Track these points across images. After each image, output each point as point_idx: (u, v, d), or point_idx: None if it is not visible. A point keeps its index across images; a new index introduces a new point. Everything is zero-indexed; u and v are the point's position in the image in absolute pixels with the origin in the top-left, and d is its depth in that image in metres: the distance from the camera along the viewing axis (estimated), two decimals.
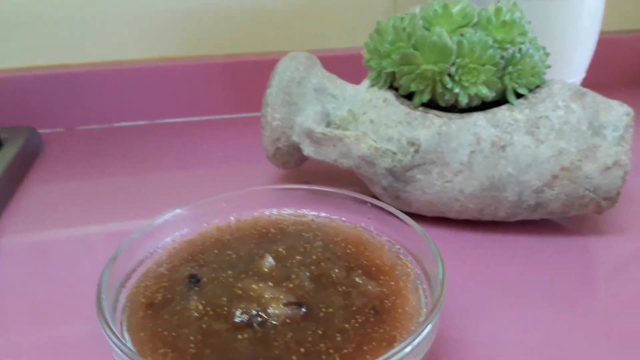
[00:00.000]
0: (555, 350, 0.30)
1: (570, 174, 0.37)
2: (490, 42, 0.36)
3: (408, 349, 0.22)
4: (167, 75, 0.61)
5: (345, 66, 0.51)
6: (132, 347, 0.22)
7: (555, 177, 0.37)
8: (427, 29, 0.37)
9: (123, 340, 0.22)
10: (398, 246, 0.31)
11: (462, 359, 0.29)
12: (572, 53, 0.50)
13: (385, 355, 0.21)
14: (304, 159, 0.46)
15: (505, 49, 0.37)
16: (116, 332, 0.22)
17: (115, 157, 0.54)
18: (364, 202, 0.33)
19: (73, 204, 0.46)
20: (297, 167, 0.47)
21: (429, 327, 0.23)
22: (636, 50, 0.72)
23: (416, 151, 0.38)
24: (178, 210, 0.31)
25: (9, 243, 0.41)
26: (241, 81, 0.62)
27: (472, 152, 0.37)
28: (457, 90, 0.36)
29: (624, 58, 0.71)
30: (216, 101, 0.63)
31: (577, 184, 0.37)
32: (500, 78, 0.37)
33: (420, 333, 0.22)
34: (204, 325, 0.25)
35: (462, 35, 0.36)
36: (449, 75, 0.36)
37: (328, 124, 0.42)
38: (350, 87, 0.44)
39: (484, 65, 0.36)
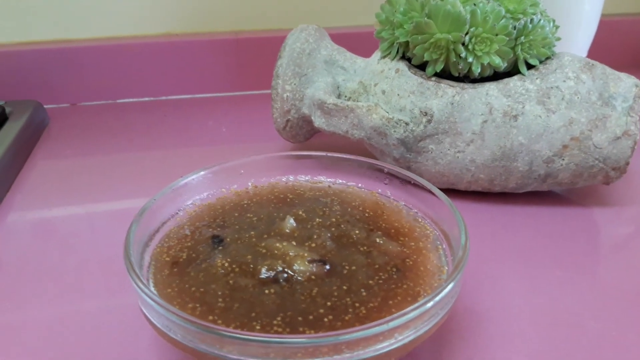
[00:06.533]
0: (564, 310, 0.31)
1: (580, 143, 0.37)
2: (503, 12, 0.36)
3: (430, 305, 0.22)
4: (172, 51, 0.60)
5: (353, 44, 0.51)
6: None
7: (565, 146, 0.37)
8: None
9: (153, 293, 0.22)
10: (415, 210, 0.31)
11: (475, 322, 0.30)
12: (573, 35, 0.50)
13: (411, 307, 0.22)
14: (313, 132, 0.46)
15: (518, 19, 0.37)
16: (146, 284, 0.23)
17: (120, 134, 0.54)
18: (381, 169, 0.33)
19: (79, 180, 0.46)
20: (307, 140, 0.47)
21: (452, 284, 0.23)
22: (637, 34, 0.72)
23: (429, 121, 0.38)
24: (199, 174, 0.31)
25: (17, 219, 0.40)
26: (247, 58, 0.62)
27: (484, 121, 0.37)
28: (470, 59, 0.36)
29: (625, 41, 0.72)
30: (222, 78, 0.63)
31: (587, 153, 0.37)
32: (512, 48, 0.37)
33: (443, 289, 0.23)
34: (231, 281, 0.25)
35: (474, 4, 0.37)
36: (463, 44, 0.36)
37: (338, 97, 0.43)
38: (360, 60, 0.44)
39: (496, 35, 0.36)
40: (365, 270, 0.26)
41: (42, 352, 0.28)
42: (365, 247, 0.28)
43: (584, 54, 0.52)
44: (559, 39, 0.39)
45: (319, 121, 0.42)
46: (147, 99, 0.62)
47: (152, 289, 0.25)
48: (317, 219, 0.30)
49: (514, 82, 0.38)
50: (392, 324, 0.21)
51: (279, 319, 0.23)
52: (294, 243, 0.27)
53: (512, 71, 0.39)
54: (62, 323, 0.30)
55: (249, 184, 0.33)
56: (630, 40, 0.72)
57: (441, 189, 0.30)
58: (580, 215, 0.40)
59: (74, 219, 0.40)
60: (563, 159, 0.38)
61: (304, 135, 0.46)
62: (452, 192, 0.41)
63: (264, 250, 0.27)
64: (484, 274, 0.34)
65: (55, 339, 0.29)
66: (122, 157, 0.50)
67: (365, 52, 0.45)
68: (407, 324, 0.21)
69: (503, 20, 0.36)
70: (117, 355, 0.27)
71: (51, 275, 0.34)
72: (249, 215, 0.30)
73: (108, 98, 0.61)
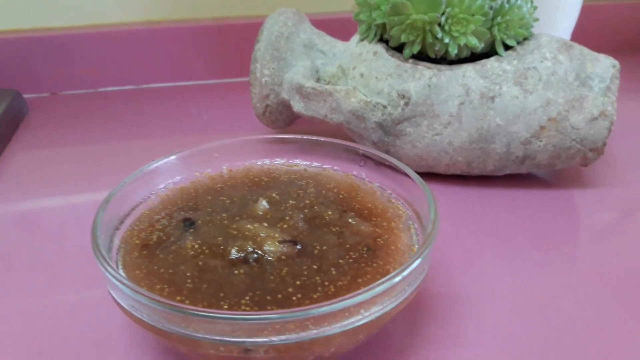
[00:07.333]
0: (541, 291, 0.31)
1: (557, 124, 0.37)
2: None
3: (397, 279, 0.22)
4: (154, 39, 0.60)
5: (333, 29, 0.51)
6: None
7: (542, 127, 0.37)
8: None
9: (119, 274, 0.22)
10: (390, 191, 0.31)
11: (449, 304, 0.30)
12: (556, 20, 0.50)
13: (377, 282, 0.21)
14: (293, 117, 0.46)
15: (494, 0, 0.37)
16: (112, 266, 0.23)
17: (101, 122, 0.54)
18: (356, 151, 0.33)
19: (59, 170, 0.45)
20: (286, 126, 0.47)
21: (419, 260, 0.23)
22: (619, 19, 0.72)
23: (406, 103, 0.38)
24: (170, 158, 0.31)
25: None
26: (228, 45, 0.62)
27: (461, 103, 0.37)
28: (447, 40, 0.36)
29: (608, 27, 0.72)
30: (203, 66, 0.62)
31: (564, 134, 0.37)
32: (489, 29, 0.37)
33: (410, 264, 0.23)
34: (200, 263, 0.25)
35: None
36: (439, 25, 0.36)
37: (317, 81, 0.42)
38: (339, 43, 0.44)
39: (473, 15, 0.36)
40: (336, 250, 0.26)
41: (21, 340, 0.28)
42: (337, 228, 0.27)
43: (567, 38, 0.52)
44: (536, 19, 0.39)
45: (297, 105, 0.42)
46: (128, 87, 0.61)
47: (121, 271, 0.25)
48: (291, 201, 0.29)
49: (490, 63, 0.37)
50: (357, 299, 0.20)
51: (247, 298, 0.23)
52: (266, 224, 0.27)
53: (490, 52, 0.39)
54: (42, 313, 0.29)
55: (224, 167, 0.33)
56: (613, 26, 0.72)
57: (420, 173, 0.30)
58: (560, 198, 0.40)
59: (53, 209, 0.40)
60: (540, 140, 0.38)
61: (284, 120, 0.45)
62: (431, 175, 0.41)
63: (235, 232, 0.27)
64: (462, 256, 0.34)
65: (37, 328, 0.28)
66: (103, 146, 0.49)
67: (347, 38, 0.45)
68: (374, 300, 0.21)
69: (479, 0, 0.36)
70: (90, 341, 0.27)
71: (31, 265, 0.33)
72: (222, 198, 0.30)
73: (89, 87, 0.61)
